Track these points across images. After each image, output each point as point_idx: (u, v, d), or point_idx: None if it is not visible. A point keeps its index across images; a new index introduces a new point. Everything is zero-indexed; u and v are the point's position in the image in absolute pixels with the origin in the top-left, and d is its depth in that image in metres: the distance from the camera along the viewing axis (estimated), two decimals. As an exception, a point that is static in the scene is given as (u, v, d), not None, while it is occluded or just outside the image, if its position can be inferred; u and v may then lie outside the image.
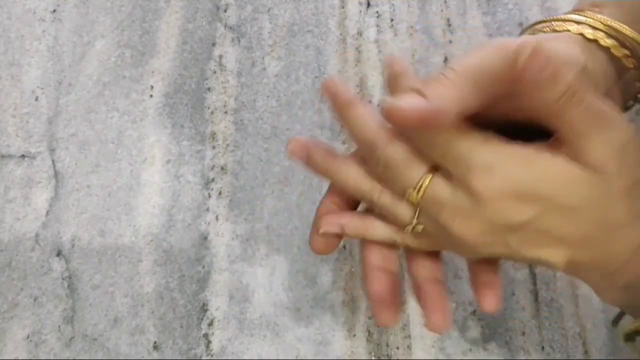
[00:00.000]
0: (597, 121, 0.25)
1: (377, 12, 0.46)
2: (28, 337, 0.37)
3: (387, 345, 0.37)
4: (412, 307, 0.38)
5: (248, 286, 0.38)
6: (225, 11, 0.46)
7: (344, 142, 0.42)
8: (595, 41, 0.30)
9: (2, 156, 0.41)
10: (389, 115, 0.25)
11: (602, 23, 0.30)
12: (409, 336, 0.37)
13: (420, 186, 0.27)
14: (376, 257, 0.31)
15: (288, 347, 0.37)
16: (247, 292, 0.38)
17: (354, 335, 0.37)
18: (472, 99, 0.25)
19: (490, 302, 0.30)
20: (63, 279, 0.38)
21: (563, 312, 0.38)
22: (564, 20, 0.31)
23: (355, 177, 0.30)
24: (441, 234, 0.29)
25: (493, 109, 0.26)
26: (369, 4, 0.47)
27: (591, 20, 0.31)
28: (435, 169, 0.27)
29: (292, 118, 0.43)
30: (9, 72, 0.44)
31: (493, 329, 0.38)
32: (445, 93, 0.25)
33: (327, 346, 0.37)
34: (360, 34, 0.46)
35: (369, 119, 0.28)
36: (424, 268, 0.31)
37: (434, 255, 0.31)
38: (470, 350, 0.37)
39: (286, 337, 0.37)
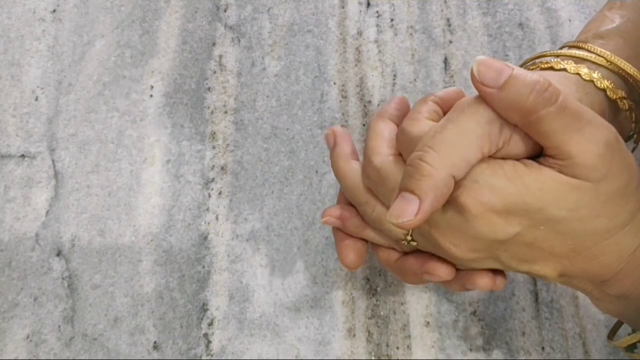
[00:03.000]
0: (575, 120, 0.25)
1: (377, 12, 0.46)
2: (28, 337, 0.37)
3: (387, 345, 0.37)
4: (412, 307, 0.38)
5: (248, 286, 0.38)
6: (225, 11, 0.46)
7: (344, 142, 0.42)
8: (591, 82, 0.30)
9: (2, 156, 0.41)
10: (397, 227, 0.26)
11: (605, 59, 0.30)
12: (409, 336, 0.37)
13: None
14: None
15: (288, 347, 0.37)
16: (247, 292, 0.38)
17: (354, 335, 0.37)
18: (461, 167, 0.26)
19: (484, 282, 0.30)
20: (63, 278, 0.38)
21: (563, 312, 0.38)
22: (564, 57, 0.31)
23: (356, 185, 0.31)
24: (434, 249, 0.29)
25: None
26: (369, 4, 0.47)
27: (593, 55, 0.30)
28: None
29: (292, 118, 0.43)
30: (9, 72, 0.44)
31: (493, 329, 0.38)
32: (432, 183, 0.25)
33: (327, 346, 0.37)
34: (360, 33, 0.46)
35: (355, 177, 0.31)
36: (388, 252, 0.33)
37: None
38: (470, 350, 0.37)
39: (286, 337, 0.37)
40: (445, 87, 0.44)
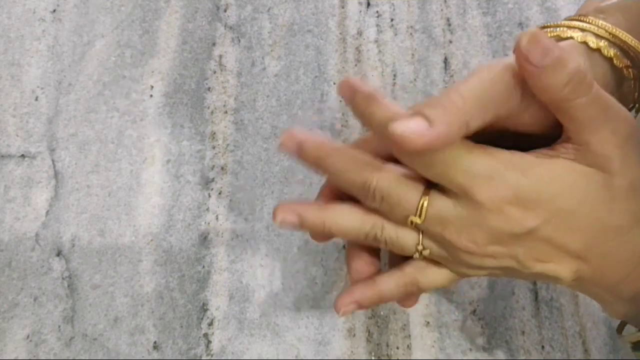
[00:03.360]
0: (604, 111, 0.25)
1: (377, 11, 0.46)
2: (28, 337, 0.37)
3: (387, 345, 0.37)
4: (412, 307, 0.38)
5: (248, 286, 0.38)
6: (225, 11, 0.46)
7: (344, 142, 0.42)
8: (598, 50, 0.30)
9: (2, 156, 0.41)
10: (395, 140, 0.24)
11: (606, 31, 0.30)
12: (409, 336, 0.37)
13: (421, 208, 0.27)
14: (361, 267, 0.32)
15: (288, 347, 0.37)
16: (247, 292, 0.38)
17: (354, 335, 0.37)
18: (476, 123, 0.25)
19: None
20: (63, 278, 0.38)
21: (563, 311, 0.38)
22: (569, 27, 0.31)
23: (353, 222, 0.30)
24: (448, 254, 0.29)
25: (494, 124, 0.26)
26: (369, 4, 0.47)
27: (595, 27, 0.30)
28: (429, 189, 0.27)
29: (292, 118, 0.43)
30: (9, 72, 0.44)
31: (493, 329, 0.38)
32: (451, 119, 0.25)
33: (327, 346, 0.37)
34: (360, 33, 0.46)
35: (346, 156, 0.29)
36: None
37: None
38: (470, 350, 0.37)
39: (286, 337, 0.37)
40: (446, 87, 0.44)
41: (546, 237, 0.26)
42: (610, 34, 0.30)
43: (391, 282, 0.30)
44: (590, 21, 0.31)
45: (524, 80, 0.25)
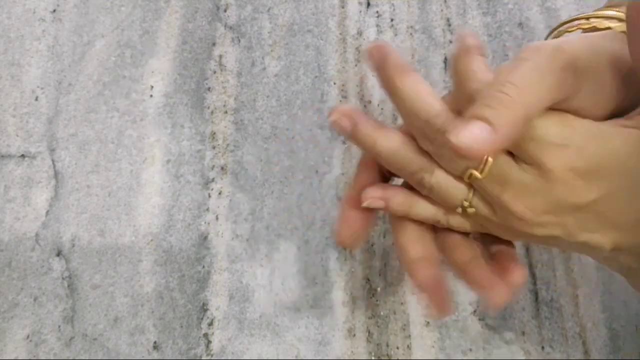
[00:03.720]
0: None
1: (377, 12, 0.46)
2: (28, 337, 0.37)
3: (387, 345, 0.37)
4: (412, 307, 0.38)
5: (248, 286, 0.38)
6: (225, 11, 0.46)
7: (344, 142, 0.42)
8: None
9: (2, 156, 0.41)
10: (459, 151, 0.24)
11: None
12: (409, 336, 0.37)
13: (485, 163, 0.26)
14: (415, 249, 0.30)
15: (288, 347, 0.37)
16: (247, 292, 0.38)
17: (354, 335, 0.37)
18: (535, 113, 0.24)
19: (518, 275, 0.29)
20: (63, 279, 0.38)
21: (563, 312, 0.38)
22: (605, 18, 0.30)
23: (404, 153, 0.28)
24: (494, 215, 0.27)
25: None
26: (369, 4, 0.47)
27: None
28: None
29: (292, 118, 0.43)
30: (9, 72, 0.44)
31: (493, 329, 0.38)
32: (513, 117, 0.24)
33: (327, 346, 0.37)
34: (360, 33, 0.46)
35: (422, 90, 0.27)
36: (463, 250, 0.30)
37: (465, 235, 0.30)
38: (470, 350, 0.37)
39: (286, 337, 0.37)
40: (446, 87, 0.44)
41: (601, 210, 0.26)
42: None
43: (426, 205, 0.29)
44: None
45: (575, 59, 0.25)
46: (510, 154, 0.26)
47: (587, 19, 0.30)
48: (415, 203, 0.29)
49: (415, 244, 0.30)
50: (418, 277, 0.29)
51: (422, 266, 0.30)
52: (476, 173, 0.26)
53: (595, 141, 0.25)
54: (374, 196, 0.30)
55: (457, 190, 0.28)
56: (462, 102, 0.27)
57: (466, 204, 0.28)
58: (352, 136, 0.29)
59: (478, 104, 0.24)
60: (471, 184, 0.27)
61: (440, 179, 0.27)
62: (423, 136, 0.27)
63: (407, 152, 0.28)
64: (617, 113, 0.27)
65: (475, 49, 0.27)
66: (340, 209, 0.32)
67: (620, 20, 0.29)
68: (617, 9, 0.30)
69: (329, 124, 0.29)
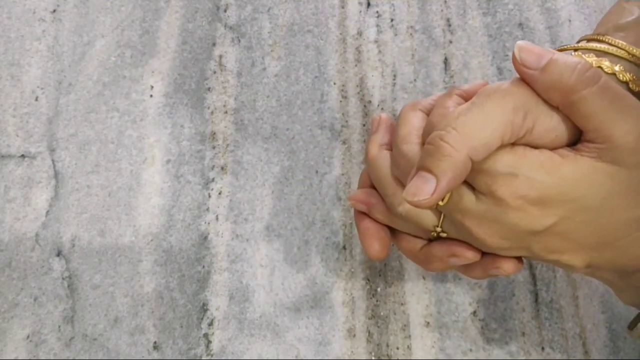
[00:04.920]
0: (618, 100, 0.25)
1: (377, 12, 0.46)
2: (28, 337, 0.37)
3: (387, 346, 0.37)
4: (412, 307, 0.38)
5: (248, 286, 0.38)
6: (225, 11, 0.46)
7: (344, 142, 0.42)
8: (613, 74, 0.30)
9: (2, 156, 0.41)
10: (410, 202, 0.26)
11: (626, 52, 0.30)
12: (409, 336, 0.37)
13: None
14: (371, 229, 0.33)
15: (288, 347, 0.37)
16: (247, 292, 0.38)
17: (354, 335, 0.37)
18: (482, 151, 0.26)
19: (509, 266, 0.30)
20: (63, 279, 0.38)
21: (563, 312, 0.38)
22: (584, 50, 0.31)
23: (382, 178, 0.31)
24: (465, 238, 0.29)
25: None
26: (369, 4, 0.47)
27: (614, 49, 0.30)
28: None
29: (292, 118, 0.43)
30: (9, 72, 0.44)
31: (493, 329, 0.38)
32: (452, 163, 0.25)
33: (327, 346, 0.37)
34: (360, 34, 0.46)
35: (384, 174, 0.31)
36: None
37: None
38: (470, 350, 0.37)
39: (286, 337, 0.37)
40: (446, 87, 0.44)
41: (563, 232, 0.27)
42: (630, 54, 0.30)
43: (406, 223, 0.32)
44: (609, 41, 0.31)
45: (526, 101, 0.26)
46: (469, 184, 0.28)
47: (574, 49, 0.32)
48: (393, 216, 0.32)
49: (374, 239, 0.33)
50: (361, 226, 0.33)
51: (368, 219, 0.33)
52: (439, 202, 0.28)
53: (544, 170, 0.26)
54: (359, 199, 0.33)
55: (427, 217, 0.30)
56: (426, 134, 0.29)
57: (438, 229, 0.30)
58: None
59: (423, 154, 0.27)
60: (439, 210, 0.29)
61: (408, 207, 0.30)
62: (394, 163, 0.31)
63: (387, 175, 0.31)
64: (577, 141, 0.28)
65: (456, 91, 0.30)
66: (357, 224, 0.34)
67: (597, 53, 0.30)
68: (601, 38, 0.31)
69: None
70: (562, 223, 0.26)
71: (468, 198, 0.27)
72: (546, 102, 0.26)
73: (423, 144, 0.29)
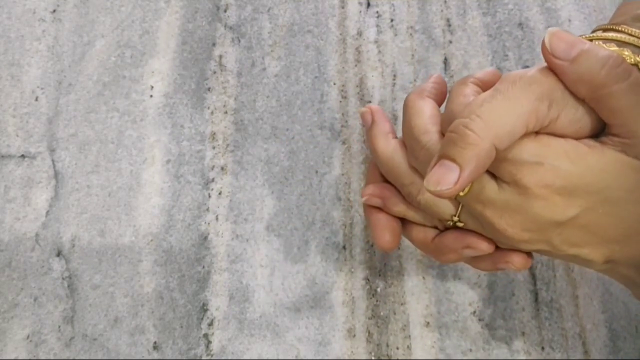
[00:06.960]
0: None
1: (377, 12, 0.46)
2: (28, 337, 0.37)
3: (387, 346, 0.37)
4: (412, 307, 0.38)
5: (248, 286, 0.38)
6: (225, 11, 0.46)
7: (344, 142, 0.42)
8: (635, 65, 0.29)
9: (2, 156, 0.41)
10: (432, 192, 0.26)
11: None
12: (409, 336, 0.37)
13: None
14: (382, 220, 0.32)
15: (288, 347, 0.37)
16: (247, 292, 0.38)
17: (354, 335, 0.37)
18: (506, 140, 0.25)
19: (519, 260, 0.29)
20: (63, 279, 0.38)
21: (563, 312, 0.38)
22: (604, 39, 0.30)
23: (398, 169, 0.30)
24: (483, 229, 0.29)
25: None
26: (369, 4, 0.47)
27: (634, 39, 0.29)
28: None
29: (292, 118, 0.43)
30: (9, 72, 0.44)
31: (493, 329, 0.38)
32: (475, 152, 0.25)
33: (327, 346, 0.37)
34: (360, 34, 0.46)
35: (396, 158, 0.30)
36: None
37: None
38: (470, 350, 0.37)
39: (286, 337, 0.37)
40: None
41: (585, 224, 0.26)
42: None
43: (422, 213, 0.31)
44: (627, 31, 0.30)
45: (552, 90, 0.25)
46: (491, 173, 0.27)
47: (590, 40, 0.31)
48: (411, 209, 0.31)
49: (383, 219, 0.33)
50: (372, 218, 0.32)
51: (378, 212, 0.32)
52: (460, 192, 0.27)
53: (569, 159, 0.26)
54: (372, 194, 0.32)
55: (445, 206, 0.29)
56: (445, 123, 0.28)
57: (455, 219, 0.29)
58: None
59: (445, 142, 0.26)
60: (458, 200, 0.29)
61: (427, 196, 0.29)
62: (413, 153, 0.29)
63: (401, 164, 0.30)
64: (600, 132, 0.27)
65: (470, 79, 0.29)
66: (367, 216, 0.33)
67: (618, 43, 0.30)
68: (620, 28, 0.30)
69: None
70: (585, 214, 0.26)
71: (490, 187, 0.27)
72: (572, 93, 0.26)
73: (441, 132, 0.28)
